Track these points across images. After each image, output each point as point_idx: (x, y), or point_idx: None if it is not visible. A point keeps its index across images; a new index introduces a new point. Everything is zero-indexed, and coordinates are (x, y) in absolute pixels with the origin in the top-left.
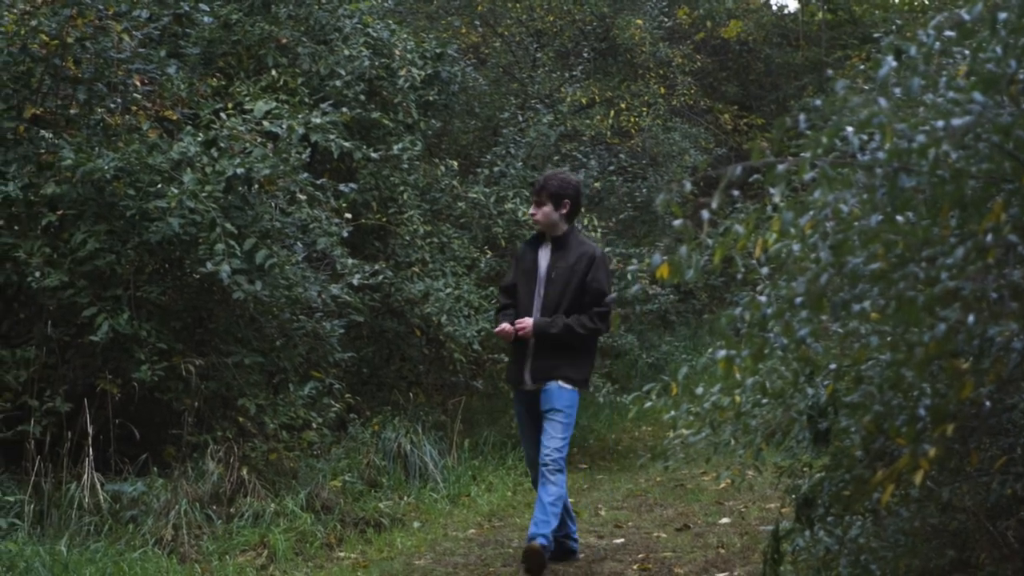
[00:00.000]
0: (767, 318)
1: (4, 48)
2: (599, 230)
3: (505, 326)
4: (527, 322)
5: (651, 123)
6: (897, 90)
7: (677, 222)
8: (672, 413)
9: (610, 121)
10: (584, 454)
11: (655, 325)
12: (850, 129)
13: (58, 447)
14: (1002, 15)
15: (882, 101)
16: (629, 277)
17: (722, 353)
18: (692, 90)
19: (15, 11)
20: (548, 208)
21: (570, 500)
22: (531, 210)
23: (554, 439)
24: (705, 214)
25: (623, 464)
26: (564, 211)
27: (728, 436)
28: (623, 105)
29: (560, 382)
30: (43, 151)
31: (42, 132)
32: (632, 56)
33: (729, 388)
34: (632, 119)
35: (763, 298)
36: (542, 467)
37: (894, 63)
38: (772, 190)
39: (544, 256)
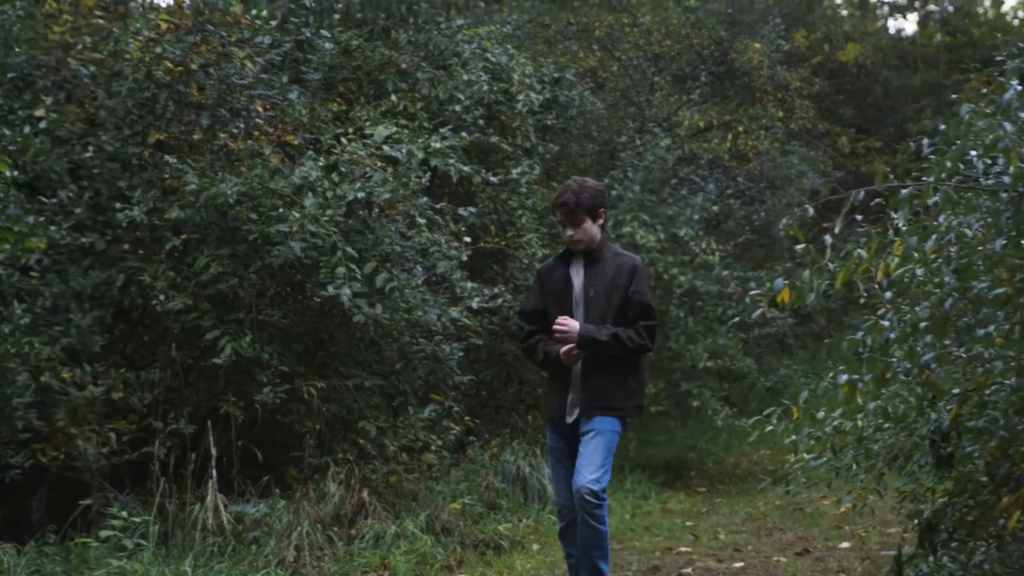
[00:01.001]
0: (890, 343)
1: (129, 75)
2: (717, 253)
3: (565, 349)
4: (571, 325)
5: (769, 146)
6: (1022, 114)
7: (800, 247)
8: (793, 437)
9: (728, 144)
10: (703, 477)
11: (773, 348)
12: (974, 153)
13: (182, 469)
14: None
15: (1007, 125)
16: (748, 300)
17: (844, 377)
18: (810, 113)
19: (140, 38)
20: (588, 224)
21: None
22: (567, 232)
23: (592, 465)
24: (828, 239)
25: (742, 487)
26: (601, 220)
27: (850, 460)
28: (741, 128)
29: (609, 414)
30: (167, 176)
31: (166, 157)
32: (750, 79)
33: (851, 412)
34: (750, 142)
35: (886, 323)
36: (579, 502)
37: (1019, 87)
38: (895, 214)
39: (577, 274)
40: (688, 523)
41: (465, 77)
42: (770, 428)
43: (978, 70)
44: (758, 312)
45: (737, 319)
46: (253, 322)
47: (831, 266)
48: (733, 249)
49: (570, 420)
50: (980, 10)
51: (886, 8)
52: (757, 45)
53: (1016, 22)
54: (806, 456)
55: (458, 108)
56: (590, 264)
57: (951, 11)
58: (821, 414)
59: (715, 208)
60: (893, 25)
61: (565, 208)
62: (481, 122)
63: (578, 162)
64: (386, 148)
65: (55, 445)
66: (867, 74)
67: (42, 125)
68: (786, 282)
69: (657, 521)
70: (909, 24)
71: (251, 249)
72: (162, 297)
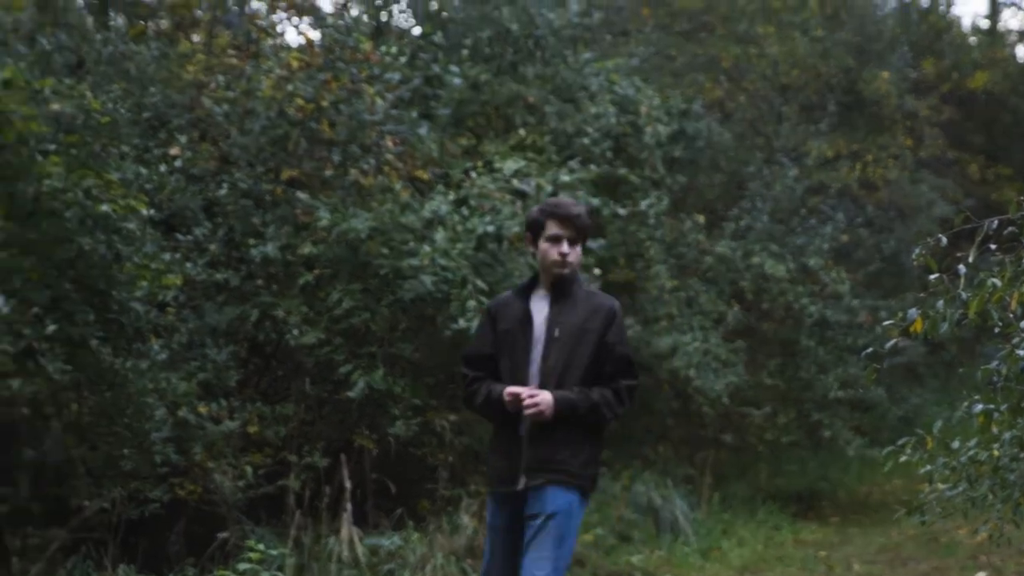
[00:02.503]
0: None
1: (262, 113)
2: (847, 283)
3: (514, 389)
4: (543, 396)
5: (898, 175)
6: None
7: (933, 276)
8: (928, 467)
9: (856, 174)
10: (835, 507)
11: (904, 378)
12: None
13: (317, 501)
14: None
15: None
16: (880, 330)
17: (980, 407)
18: (939, 141)
19: (272, 76)
20: (579, 248)
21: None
22: (561, 250)
23: (543, 561)
24: (961, 268)
25: (874, 518)
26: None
27: (986, 490)
28: (870, 157)
29: (559, 482)
30: (300, 212)
31: (299, 194)
32: (878, 108)
33: (987, 442)
34: (879, 171)
35: (1021, 351)
36: None
37: None
38: None
39: (539, 310)
40: (821, 553)
41: (593, 110)
42: (904, 458)
43: None
44: (891, 343)
45: (870, 349)
46: (385, 356)
47: (964, 295)
48: (863, 278)
49: (520, 487)
50: None
51: (1015, 35)
52: (885, 74)
53: None
54: (941, 486)
55: (586, 141)
56: (557, 299)
57: None
58: (956, 444)
59: (844, 237)
60: (1022, 52)
61: (577, 221)
62: (609, 154)
63: (706, 193)
64: (515, 182)
65: (193, 479)
66: (996, 101)
67: (177, 163)
68: (919, 311)
69: (790, 552)
70: None
71: (383, 283)
72: (295, 332)
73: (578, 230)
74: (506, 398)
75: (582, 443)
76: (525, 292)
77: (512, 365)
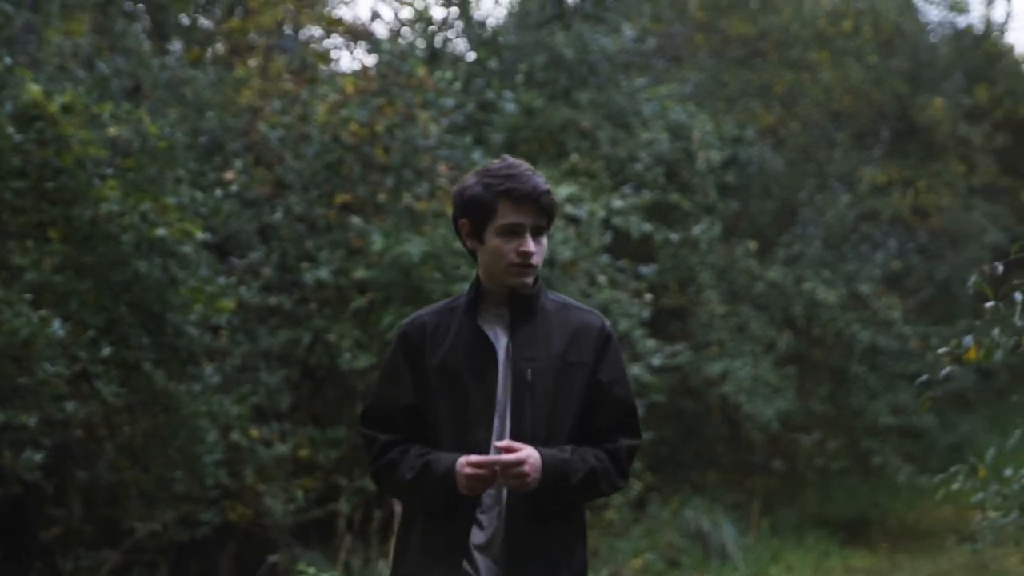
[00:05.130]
0: None
1: (316, 138)
2: (898, 309)
3: (471, 460)
4: (528, 454)
5: (950, 202)
6: None
7: (989, 304)
8: (980, 495)
9: (909, 201)
10: (884, 534)
11: (954, 405)
12: None
13: (367, 525)
14: None
15: None
16: (931, 358)
17: None
18: (992, 168)
19: (327, 101)
20: (545, 242)
21: None
22: (526, 245)
23: None
24: (1018, 296)
25: (924, 545)
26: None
27: None
28: (922, 184)
29: None
30: (353, 236)
31: (352, 218)
32: (931, 135)
33: None
34: (931, 198)
35: None
36: None
37: None
38: None
39: (498, 336)
40: None
41: (645, 136)
42: (956, 486)
43: None
44: (946, 370)
45: (924, 377)
46: None
47: (1020, 323)
48: (914, 305)
49: None
50: None
51: None
52: (939, 101)
53: None
54: (993, 514)
55: (639, 167)
56: (520, 321)
57: None
58: (1008, 471)
59: (896, 264)
60: None
61: (544, 200)
62: (661, 180)
63: (758, 219)
64: (568, 207)
65: (244, 502)
66: None
67: (232, 188)
68: (974, 339)
69: None
70: None
71: None
72: (347, 356)
73: (547, 215)
74: (465, 472)
75: (576, 537)
76: (470, 308)
77: (459, 427)
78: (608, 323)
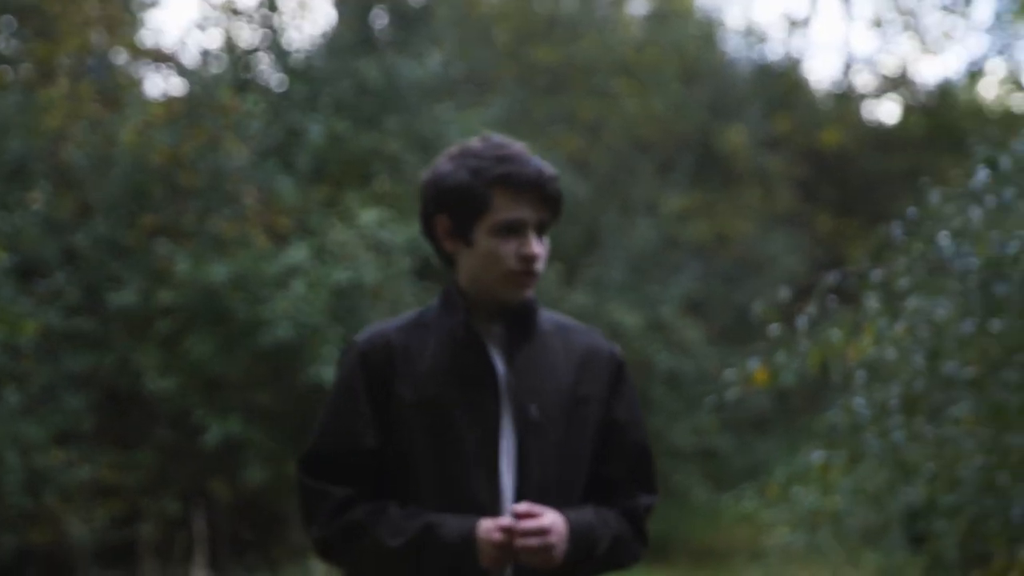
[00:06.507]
0: (862, 422)
1: (123, 161)
2: (699, 334)
3: (502, 524)
4: (552, 521)
5: (750, 229)
6: (991, 199)
7: (773, 327)
8: (769, 515)
9: (710, 228)
10: (686, 555)
11: (752, 427)
12: (944, 237)
13: (170, 548)
14: None
15: (975, 210)
16: (722, 380)
17: (819, 456)
18: (791, 197)
19: (134, 125)
20: (547, 243)
21: None
22: (529, 247)
23: None
24: (801, 320)
25: (722, 564)
26: None
27: (826, 537)
28: (723, 212)
29: None
30: (159, 259)
31: (158, 242)
32: (732, 164)
33: (825, 490)
34: (734, 225)
35: (859, 402)
36: None
37: (988, 172)
38: (867, 297)
39: (493, 361)
40: None
41: None
42: (746, 505)
43: (956, 155)
44: (732, 391)
45: (713, 397)
46: (241, 403)
47: (805, 346)
48: (715, 330)
49: None
50: (968, 96)
51: (864, 95)
52: (739, 130)
53: (1000, 107)
54: (782, 533)
55: None
56: (519, 341)
57: (928, 96)
58: (797, 492)
59: (697, 290)
60: (872, 110)
61: (551, 187)
62: None
63: (563, 244)
64: (375, 232)
65: (45, 525)
66: (847, 158)
67: (37, 210)
68: (760, 362)
69: None
70: (888, 108)
71: (240, 332)
72: (152, 379)
73: (553, 208)
74: (495, 540)
75: None
76: (464, 322)
77: (448, 480)
78: (618, 348)
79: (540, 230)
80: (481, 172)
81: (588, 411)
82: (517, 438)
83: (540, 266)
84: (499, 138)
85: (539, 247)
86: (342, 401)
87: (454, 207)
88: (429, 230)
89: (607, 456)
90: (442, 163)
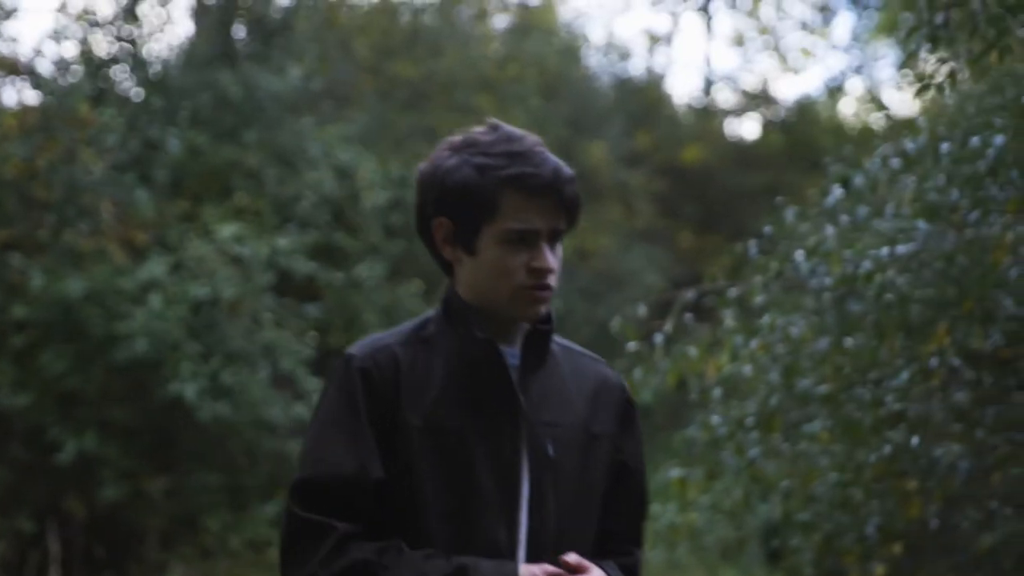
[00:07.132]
0: (720, 438)
1: None
2: None
3: (548, 570)
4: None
5: (611, 245)
6: (845, 217)
7: (631, 344)
8: None
9: (571, 242)
10: None
11: None
12: (800, 255)
13: (23, 567)
14: (944, 146)
15: (830, 228)
16: None
17: (676, 472)
18: (651, 212)
19: None
20: (560, 252)
21: None
22: (543, 260)
23: None
24: (658, 337)
25: None
26: None
27: (684, 554)
28: (584, 227)
29: None
30: (12, 273)
31: (11, 255)
32: (593, 179)
33: (683, 507)
34: (597, 240)
35: (716, 418)
36: None
37: (842, 191)
38: (724, 314)
39: (516, 387)
40: None
41: (311, 176)
42: None
43: (811, 172)
44: None
45: None
46: (97, 419)
47: (664, 364)
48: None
49: None
50: (828, 113)
51: (725, 111)
52: (600, 145)
53: (859, 124)
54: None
55: (305, 206)
56: (532, 366)
57: (787, 113)
58: (656, 508)
59: (559, 305)
60: (733, 127)
61: (568, 191)
62: (327, 220)
63: (423, 259)
64: (232, 246)
65: None
66: (708, 174)
67: None
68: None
69: None
70: (749, 125)
71: (96, 347)
72: (6, 395)
73: (570, 214)
74: None
75: None
76: (485, 338)
77: (461, 519)
78: (623, 380)
79: (553, 239)
80: (489, 171)
81: (601, 450)
82: (531, 476)
83: (554, 279)
84: (509, 129)
85: (553, 259)
86: (338, 424)
87: (457, 210)
88: (425, 231)
89: (613, 504)
90: (444, 155)
